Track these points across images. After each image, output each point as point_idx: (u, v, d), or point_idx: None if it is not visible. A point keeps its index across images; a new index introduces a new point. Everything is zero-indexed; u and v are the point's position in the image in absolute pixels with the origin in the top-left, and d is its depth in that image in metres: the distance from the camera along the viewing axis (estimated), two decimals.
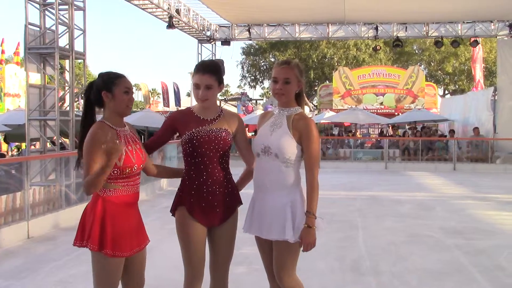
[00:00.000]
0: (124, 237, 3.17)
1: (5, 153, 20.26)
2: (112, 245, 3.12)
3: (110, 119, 3.22)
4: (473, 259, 6.36)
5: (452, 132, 21.62)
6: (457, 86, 48.66)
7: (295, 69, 3.44)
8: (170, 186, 12.53)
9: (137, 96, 55.25)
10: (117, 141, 2.98)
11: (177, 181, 3.54)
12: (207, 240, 3.46)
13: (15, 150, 20.28)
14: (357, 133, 27.87)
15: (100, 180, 3.05)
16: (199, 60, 22.19)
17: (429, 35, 22.19)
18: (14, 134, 16.43)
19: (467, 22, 21.54)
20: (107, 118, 3.22)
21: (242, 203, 3.58)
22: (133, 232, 3.23)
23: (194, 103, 3.60)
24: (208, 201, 3.37)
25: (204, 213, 3.36)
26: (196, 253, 3.36)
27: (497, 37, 22.45)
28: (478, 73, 31.47)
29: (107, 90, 3.18)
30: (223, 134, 3.42)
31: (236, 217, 3.52)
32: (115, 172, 3.16)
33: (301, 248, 3.31)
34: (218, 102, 6.58)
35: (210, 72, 3.36)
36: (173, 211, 3.46)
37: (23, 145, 21.37)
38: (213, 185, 3.38)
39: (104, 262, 3.15)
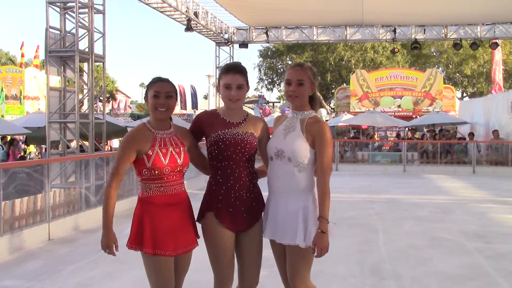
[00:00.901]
0: (166, 236, 3.19)
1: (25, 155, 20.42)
2: (153, 244, 3.16)
3: (151, 122, 3.33)
4: (495, 263, 6.28)
5: (471, 135, 21.39)
6: (475, 89, 48.20)
7: (308, 72, 3.42)
8: (188, 188, 12.52)
9: None
10: (113, 252, 3.23)
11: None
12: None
13: (22, 153, 20.40)
14: (375, 136, 27.71)
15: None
16: (217, 63, 22.31)
17: (447, 37, 21.93)
18: (35, 137, 16.60)
19: (486, 24, 21.26)
20: (149, 120, 3.35)
21: None
22: (177, 231, 3.25)
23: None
24: (235, 206, 3.34)
25: (232, 219, 3.33)
26: (225, 259, 3.33)
27: None
28: (498, 76, 31.10)
29: (146, 94, 3.33)
30: (250, 138, 3.40)
31: (261, 222, 3.49)
32: (145, 172, 3.22)
33: (315, 254, 3.25)
34: None
35: (241, 72, 3.38)
36: (200, 217, 3.43)
37: (30, 148, 21.60)
38: (240, 190, 3.35)
39: (149, 261, 3.21)
